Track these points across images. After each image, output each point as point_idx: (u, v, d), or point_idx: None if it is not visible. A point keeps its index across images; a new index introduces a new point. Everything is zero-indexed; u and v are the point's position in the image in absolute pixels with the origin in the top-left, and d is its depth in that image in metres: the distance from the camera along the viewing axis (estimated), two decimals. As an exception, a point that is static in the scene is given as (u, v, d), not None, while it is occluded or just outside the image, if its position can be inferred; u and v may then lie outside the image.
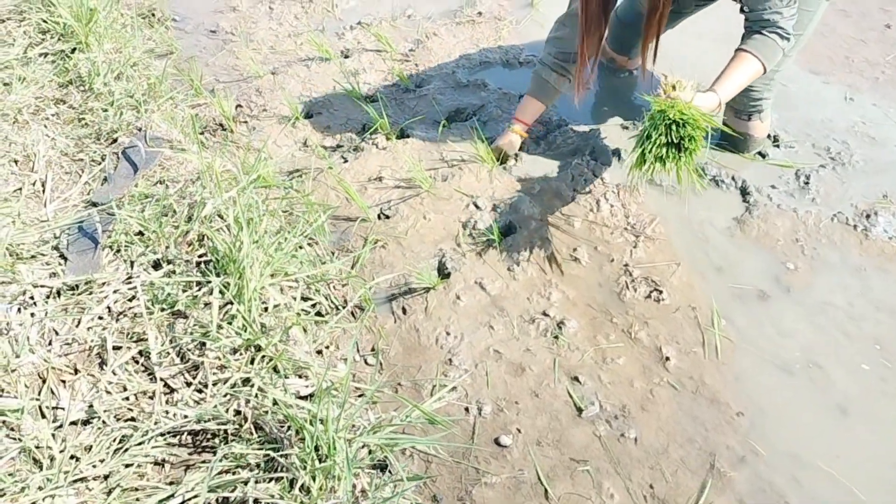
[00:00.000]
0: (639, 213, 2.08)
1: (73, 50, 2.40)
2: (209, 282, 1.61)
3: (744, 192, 2.15)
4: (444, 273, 1.91)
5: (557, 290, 1.86)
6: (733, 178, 2.18)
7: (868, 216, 2.07)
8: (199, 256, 1.73)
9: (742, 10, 1.94)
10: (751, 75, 1.92)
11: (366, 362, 1.69)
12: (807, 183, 2.17)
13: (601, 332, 1.77)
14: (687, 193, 2.10)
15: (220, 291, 1.60)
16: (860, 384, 1.66)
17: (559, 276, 1.90)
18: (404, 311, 1.81)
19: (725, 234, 2.04)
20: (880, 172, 2.24)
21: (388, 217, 2.07)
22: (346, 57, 2.76)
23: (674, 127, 1.73)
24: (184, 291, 1.64)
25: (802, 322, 1.80)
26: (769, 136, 2.34)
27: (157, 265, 1.74)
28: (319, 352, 1.65)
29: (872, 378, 1.67)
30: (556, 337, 1.74)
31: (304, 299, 1.74)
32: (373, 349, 1.71)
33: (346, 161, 2.24)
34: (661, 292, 1.85)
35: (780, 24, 1.85)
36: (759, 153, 2.29)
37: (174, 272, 1.70)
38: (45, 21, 2.51)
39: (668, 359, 1.70)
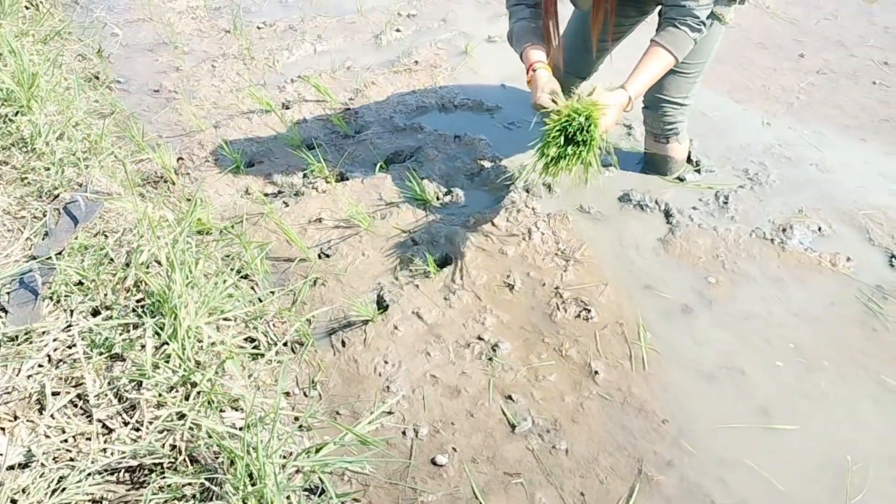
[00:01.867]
0: (568, 238, 2.17)
1: (17, 113, 2.45)
2: (144, 323, 1.65)
3: (667, 214, 2.26)
4: (382, 305, 1.97)
5: (492, 316, 1.93)
6: (657, 202, 2.30)
7: (784, 230, 2.18)
8: (137, 301, 1.77)
9: (659, 3, 2.02)
10: (662, 67, 1.99)
11: (305, 394, 1.73)
12: (726, 203, 2.29)
13: (534, 352, 1.83)
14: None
15: (156, 332, 1.63)
16: (780, 386, 1.74)
17: (493, 301, 1.97)
18: (343, 343, 1.86)
19: (650, 254, 2.14)
20: (796, 190, 2.37)
21: (328, 256, 2.13)
22: (287, 108, 2.86)
23: (568, 125, 1.83)
24: (121, 335, 1.67)
25: (725, 331, 1.89)
26: (691, 161, 2.47)
27: (95, 312, 1.77)
28: (258, 387, 1.69)
29: (790, 378, 1.75)
30: (491, 359, 1.81)
31: (242, 336, 1.78)
32: (312, 381, 1.75)
33: (286, 206, 2.31)
34: (589, 311, 1.93)
35: (694, 12, 1.91)
36: (679, 177, 2.41)
37: (112, 317, 1.73)
38: (-13, 87, 2.56)
39: (596, 373, 1.77)
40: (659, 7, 2.12)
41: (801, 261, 2.09)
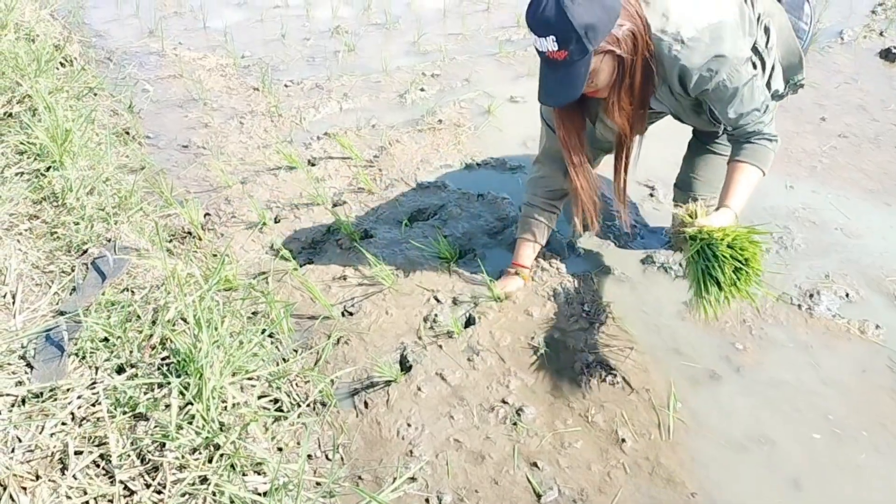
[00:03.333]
0: (594, 300, 2.16)
1: (48, 168, 2.50)
2: (169, 383, 1.65)
3: (692, 277, 2.25)
4: (405, 366, 1.96)
5: (516, 378, 1.91)
6: (680, 265, 2.29)
7: (811, 296, 2.16)
8: (162, 359, 1.77)
9: (725, 131, 1.99)
10: (754, 183, 1.92)
11: (327, 458, 1.71)
12: (751, 266, 2.28)
13: (559, 417, 1.81)
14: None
15: (181, 392, 1.63)
16: (812, 456, 1.70)
17: (517, 364, 1.95)
18: (366, 405, 1.84)
19: (675, 317, 2.12)
20: (821, 254, 2.35)
21: (351, 314, 2.13)
22: (313, 165, 2.90)
23: (720, 256, 1.71)
24: (145, 394, 1.67)
25: (754, 400, 1.85)
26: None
27: (120, 370, 1.77)
28: (280, 449, 1.67)
29: (823, 449, 1.71)
30: (515, 423, 1.78)
31: (266, 397, 1.78)
32: (335, 444, 1.73)
33: (311, 262, 2.33)
34: (615, 376, 1.90)
35: (764, 132, 1.89)
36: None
37: (137, 375, 1.73)
38: (22, 143, 2.63)
39: (623, 441, 1.73)
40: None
41: (830, 327, 2.06)
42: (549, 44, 1.62)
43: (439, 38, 4.21)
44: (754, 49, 1.87)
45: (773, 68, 1.94)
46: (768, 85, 1.94)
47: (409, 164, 2.91)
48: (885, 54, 3.79)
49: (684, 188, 2.33)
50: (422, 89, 3.51)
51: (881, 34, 4.04)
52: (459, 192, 2.70)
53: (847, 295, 2.17)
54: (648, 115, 1.99)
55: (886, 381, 1.89)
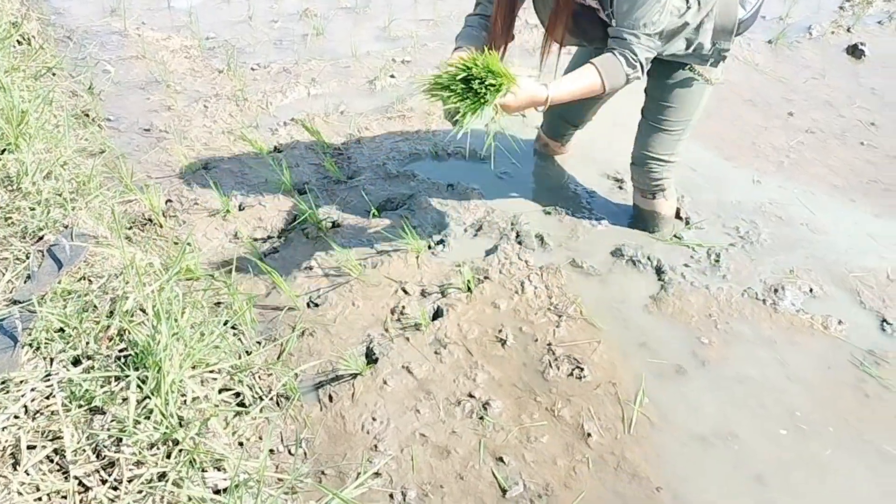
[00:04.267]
0: (561, 293, 2.15)
1: (3, 151, 2.41)
2: (127, 376, 1.60)
3: (659, 271, 2.25)
4: (371, 358, 1.93)
5: (483, 372, 1.89)
6: (649, 258, 2.29)
7: (776, 290, 2.18)
8: (120, 351, 1.71)
9: (610, 20, 1.99)
10: (588, 86, 1.93)
11: (290, 452, 1.67)
12: (717, 261, 2.29)
13: (525, 412, 1.80)
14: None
15: (139, 386, 1.58)
16: (777, 452, 1.71)
17: (484, 357, 1.94)
18: (331, 398, 1.81)
19: (643, 311, 2.12)
20: (787, 249, 2.37)
21: (316, 305, 2.10)
22: (279, 151, 2.84)
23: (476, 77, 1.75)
24: (102, 387, 1.62)
25: (719, 394, 1.86)
26: (681, 217, 2.48)
27: (76, 361, 1.71)
28: (241, 444, 1.63)
29: (789, 444, 1.73)
30: (482, 418, 1.77)
31: (227, 390, 1.73)
32: (298, 438, 1.70)
33: (276, 251, 2.28)
34: (582, 370, 1.90)
35: (632, 47, 1.89)
36: (676, 236, 2.41)
37: (93, 368, 1.68)
38: (-25, 123, 2.53)
39: (589, 435, 1.73)
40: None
41: (794, 322, 2.08)
42: None
43: (410, 23, 4.15)
44: None
45: (706, 17, 2.00)
46: (697, 32, 2.01)
47: (378, 152, 2.87)
48: (852, 50, 3.83)
49: (639, 163, 2.36)
50: (392, 76, 3.46)
51: (848, 30, 4.09)
52: (429, 182, 2.67)
53: (811, 290, 2.19)
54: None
55: (850, 377, 1.92)
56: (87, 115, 2.97)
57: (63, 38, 3.77)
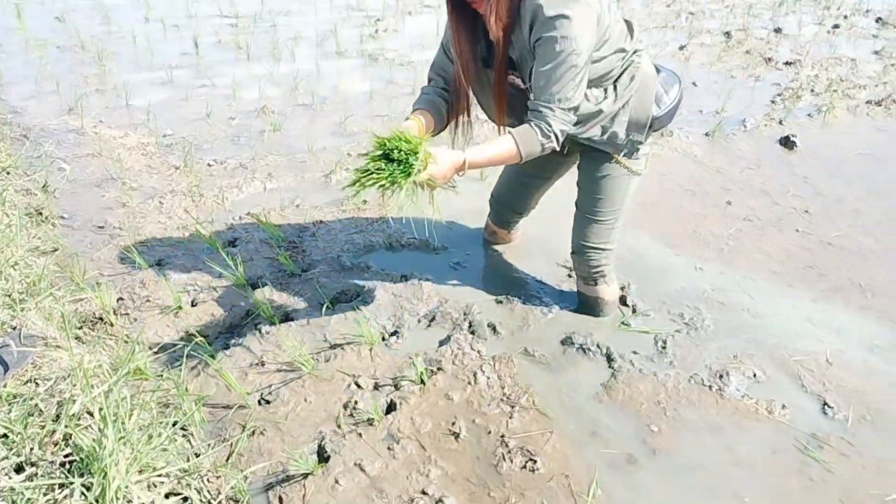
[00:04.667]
0: (513, 383, 2.18)
1: (-48, 250, 2.39)
2: (72, 483, 1.56)
3: (609, 359, 2.30)
4: (323, 457, 1.91)
5: (436, 467, 1.89)
6: (598, 346, 2.34)
7: (721, 376, 2.24)
8: (65, 456, 1.67)
9: (528, 92, 2.11)
10: (504, 154, 2.04)
11: (238, 559, 1.63)
12: (664, 348, 2.35)
13: (479, 507, 1.79)
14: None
15: (83, 493, 1.54)
16: (726, 540, 1.72)
17: (437, 451, 1.93)
18: (280, 500, 1.78)
19: (594, 399, 2.15)
20: (730, 335, 2.45)
21: (268, 402, 2.08)
22: (234, 246, 2.87)
23: (394, 149, 1.90)
24: (45, 495, 1.57)
25: (670, 483, 1.88)
26: (627, 304, 2.55)
27: (19, 469, 1.66)
28: (188, 552, 1.59)
29: (736, 533, 1.74)
30: (435, 515, 1.75)
31: (175, 494, 1.69)
32: (246, 544, 1.66)
33: (227, 348, 2.27)
34: (535, 462, 1.90)
35: (548, 119, 2.00)
36: (623, 323, 2.48)
37: (36, 475, 1.63)
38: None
39: (543, 530, 1.73)
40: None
41: (739, 408, 2.13)
42: None
43: (366, 119, 4.30)
44: (613, 83, 2.15)
45: (621, 109, 2.17)
46: (612, 121, 2.18)
47: (333, 244, 2.91)
48: (785, 142, 4.08)
49: (578, 252, 2.47)
50: (346, 169, 3.55)
51: (780, 122, 4.36)
52: (383, 274, 2.71)
53: (755, 375, 2.25)
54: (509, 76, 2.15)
55: (794, 461, 1.95)
56: (41, 214, 2.97)
57: (19, 136, 3.81)
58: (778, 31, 6.61)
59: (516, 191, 2.70)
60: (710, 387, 2.20)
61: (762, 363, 2.30)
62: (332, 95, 4.65)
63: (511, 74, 2.16)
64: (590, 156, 2.33)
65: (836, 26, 6.95)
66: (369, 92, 4.78)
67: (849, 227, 3.21)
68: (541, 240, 2.95)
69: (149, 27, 6.03)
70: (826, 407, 2.13)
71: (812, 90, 5.01)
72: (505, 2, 1.96)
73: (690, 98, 4.68)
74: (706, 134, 4.12)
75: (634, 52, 2.16)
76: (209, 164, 3.61)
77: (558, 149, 2.09)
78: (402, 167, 1.90)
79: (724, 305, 2.61)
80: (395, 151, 1.90)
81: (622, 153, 2.28)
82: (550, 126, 2.01)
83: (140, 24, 6.08)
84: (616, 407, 2.13)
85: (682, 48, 5.68)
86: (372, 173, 1.92)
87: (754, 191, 3.50)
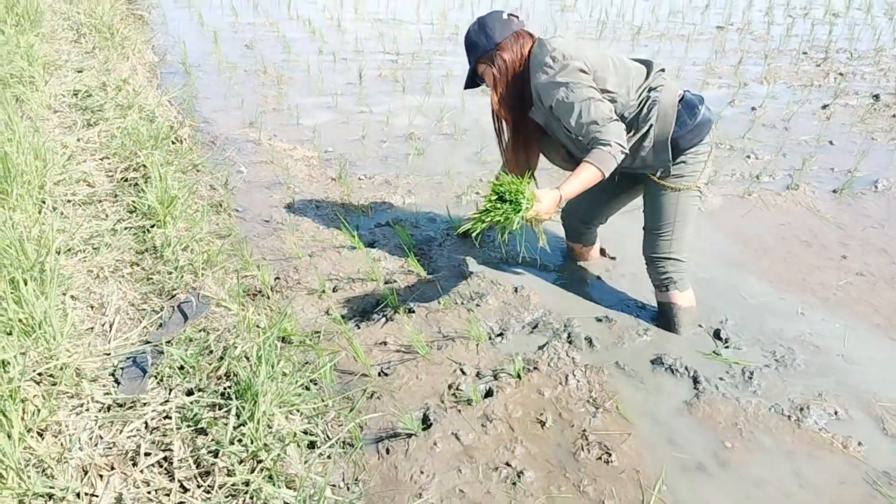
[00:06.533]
0: (601, 389, 2.42)
1: (153, 226, 2.98)
2: (229, 404, 1.99)
3: (695, 380, 2.48)
4: (426, 423, 2.24)
5: (521, 446, 2.17)
6: (686, 368, 2.53)
7: (802, 409, 2.36)
8: (226, 387, 2.12)
9: (579, 140, 2.50)
10: (588, 177, 2.41)
11: (347, 488, 1.99)
12: (751, 378, 2.50)
13: (554, 484, 2.05)
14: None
15: (237, 413, 1.96)
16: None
17: (524, 434, 2.21)
18: (388, 451, 2.13)
19: (675, 412, 2.35)
20: (819, 376, 2.55)
21: (386, 374, 2.45)
22: (372, 247, 3.31)
23: (505, 192, 2.33)
24: (208, 412, 2.01)
25: (734, 493, 2.05)
26: (720, 337, 2.71)
27: (190, 392, 2.13)
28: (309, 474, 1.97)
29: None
30: (515, 483, 2.03)
31: (304, 432, 2.09)
32: (355, 478, 2.02)
33: (358, 327, 2.68)
34: (610, 455, 2.14)
35: (601, 139, 2.39)
36: (715, 352, 2.65)
37: (203, 397, 2.08)
38: (133, 203, 3.13)
39: (607, 509, 1.96)
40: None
41: (815, 439, 2.25)
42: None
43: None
44: (634, 119, 2.54)
45: (644, 136, 2.55)
46: (639, 149, 2.58)
47: (456, 255, 3.28)
48: (917, 204, 4.01)
49: (648, 262, 2.83)
50: (477, 192, 3.93)
51: (916, 186, 4.28)
52: (497, 284, 3.04)
53: (836, 413, 2.36)
54: (538, 134, 2.76)
55: (861, 493, 2.06)
56: (221, 206, 3.57)
57: (208, 142, 4.51)
58: (938, 95, 6.36)
59: (580, 203, 3.05)
60: (790, 416, 2.33)
61: (846, 403, 2.40)
62: (472, 128, 5.07)
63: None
64: (639, 179, 2.76)
65: None
66: (508, 126, 5.17)
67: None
68: (643, 264, 3.16)
69: (321, 59, 6.79)
70: (903, 449, 2.21)
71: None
72: (503, 88, 2.61)
73: (824, 156, 4.68)
74: (833, 191, 4.14)
75: (651, 88, 2.51)
76: (360, 178, 4.12)
77: (627, 152, 2.46)
78: (513, 206, 2.33)
79: (819, 349, 2.71)
80: (508, 193, 2.35)
81: (657, 174, 2.63)
82: (608, 141, 2.39)
83: (314, 55, 6.86)
84: (695, 422, 2.31)
85: (824, 107, 5.64)
86: (490, 212, 2.37)
87: (873, 248, 3.51)
